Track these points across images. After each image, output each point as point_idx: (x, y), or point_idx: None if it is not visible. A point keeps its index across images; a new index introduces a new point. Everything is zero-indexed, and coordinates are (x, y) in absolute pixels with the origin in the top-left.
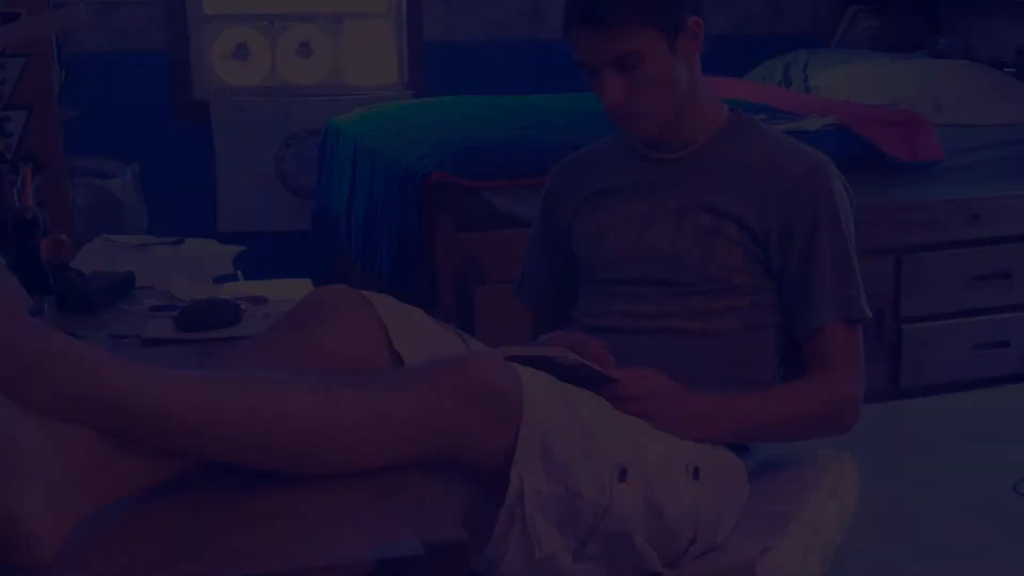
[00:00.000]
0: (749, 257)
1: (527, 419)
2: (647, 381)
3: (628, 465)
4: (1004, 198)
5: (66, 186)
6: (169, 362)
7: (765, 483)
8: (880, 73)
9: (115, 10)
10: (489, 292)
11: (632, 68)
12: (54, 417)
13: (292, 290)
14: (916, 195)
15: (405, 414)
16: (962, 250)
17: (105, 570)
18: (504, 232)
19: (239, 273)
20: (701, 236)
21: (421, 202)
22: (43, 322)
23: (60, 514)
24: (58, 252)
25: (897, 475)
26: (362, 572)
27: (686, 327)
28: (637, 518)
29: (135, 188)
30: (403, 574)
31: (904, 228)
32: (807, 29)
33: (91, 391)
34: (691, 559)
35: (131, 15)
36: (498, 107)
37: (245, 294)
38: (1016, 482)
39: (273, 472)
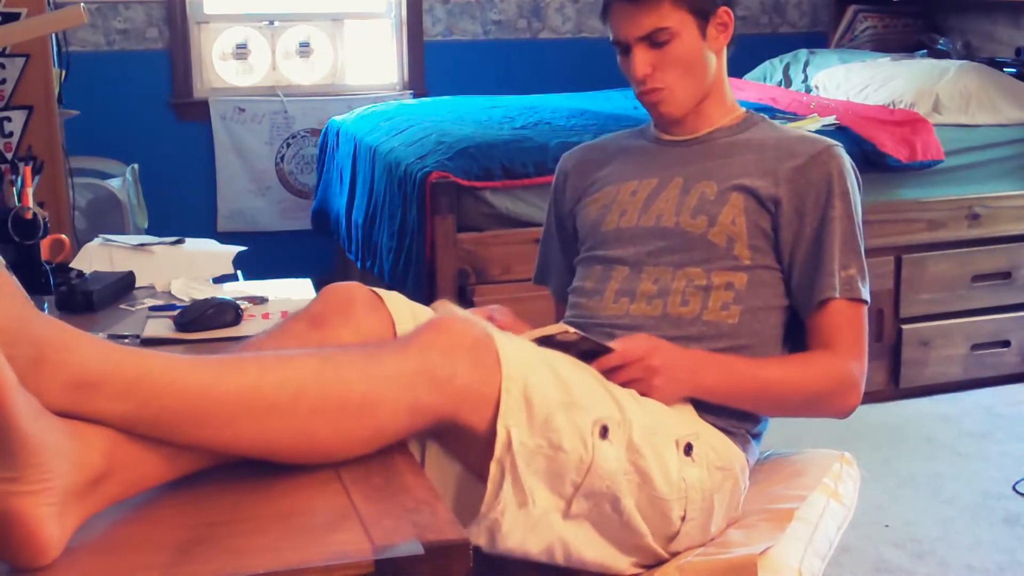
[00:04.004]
0: (753, 228)
1: (506, 372)
2: (644, 341)
3: (610, 423)
4: (1004, 198)
5: (66, 186)
6: None
7: (765, 482)
8: (880, 73)
9: (115, 10)
10: (489, 292)
11: (662, 45)
12: (68, 408)
13: (292, 290)
14: (916, 195)
15: (398, 368)
16: (962, 250)
17: (105, 570)
18: (504, 232)
19: (239, 273)
20: (704, 204)
21: (421, 202)
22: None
23: (68, 519)
24: (58, 252)
25: (897, 475)
26: (362, 572)
27: (683, 310)
28: (623, 480)
29: (135, 188)
30: (403, 574)
31: (904, 228)
32: (807, 29)
33: (101, 377)
34: (685, 537)
35: (131, 15)
36: (498, 107)
37: (245, 294)
38: (1016, 482)
39: (277, 455)
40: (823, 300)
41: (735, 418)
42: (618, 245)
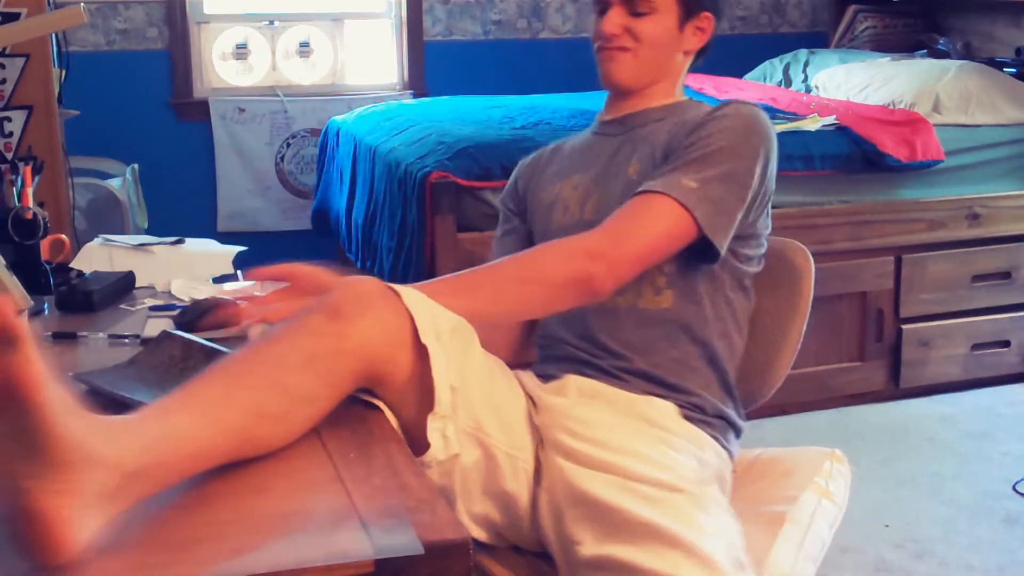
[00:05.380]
0: None
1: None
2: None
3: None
4: (1004, 198)
5: (66, 186)
6: None
7: (757, 482)
8: (880, 73)
9: (115, 10)
10: None
11: (639, 15)
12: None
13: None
14: (916, 195)
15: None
16: (962, 250)
17: (104, 570)
18: None
19: (239, 273)
20: (629, 188)
21: (421, 202)
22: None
23: (94, 520)
24: (58, 252)
25: (897, 475)
26: (362, 572)
27: (619, 300)
28: None
29: (135, 188)
30: (403, 574)
31: (904, 228)
32: (807, 29)
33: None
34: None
35: (131, 15)
36: (498, 107)
37: (245, 294)
38: (1016, 482)
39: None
40: (640, 192)
41: (705, 408)
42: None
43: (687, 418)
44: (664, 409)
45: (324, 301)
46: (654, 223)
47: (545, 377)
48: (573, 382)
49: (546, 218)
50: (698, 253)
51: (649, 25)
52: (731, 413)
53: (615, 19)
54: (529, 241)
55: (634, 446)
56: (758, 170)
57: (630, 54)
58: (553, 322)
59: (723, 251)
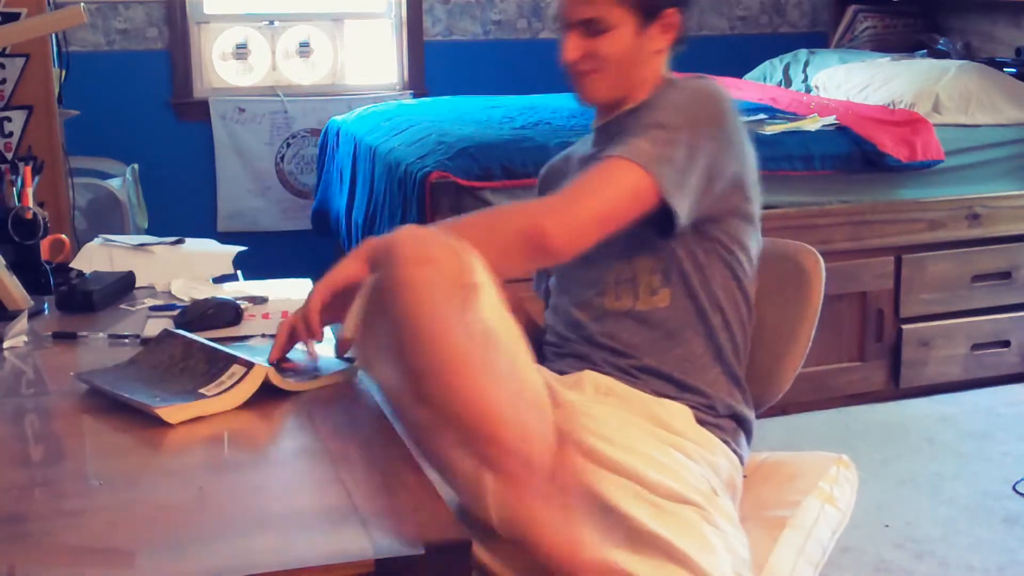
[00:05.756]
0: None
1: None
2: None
3: None
4: (1004, 198)
5: (66, 186)
6: None
7: (761, 486)
8: (880, 73)
9: (115, 10)
10: None
11: (595, 35)
12: None
13: (292, 290)
14: (916, 195)
15: None
16: (962, 250)
17: (104, 569)
18: None
19: (239, 273)
20: None
21: (421, 202)
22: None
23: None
24: (58, 252)
25: (897, 475)
26: (362, 572)
27: (618, 305)
28: None
29: (135, 188)
30: (403, 574)
31: (904, 228)
32: (807, 29)
33: None
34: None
35: (131, 15)
36: (498, 107)
37: (245, 294)
38: (1016, 482)
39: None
40: (600, 158)
41: (713, 407)
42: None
43: (700, 422)
44: (678, 413)
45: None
46: (612, 184)
47: (559, 372)
48: (589, 378)
49: None
50: (659, 224)
51: (607, 43)
52: (742, 409)
53: (573, 45)
54: None
55: (649, 450)
56: (714, 139)
57: (597, 75)
58: (558, 324)
59: (684, 217)
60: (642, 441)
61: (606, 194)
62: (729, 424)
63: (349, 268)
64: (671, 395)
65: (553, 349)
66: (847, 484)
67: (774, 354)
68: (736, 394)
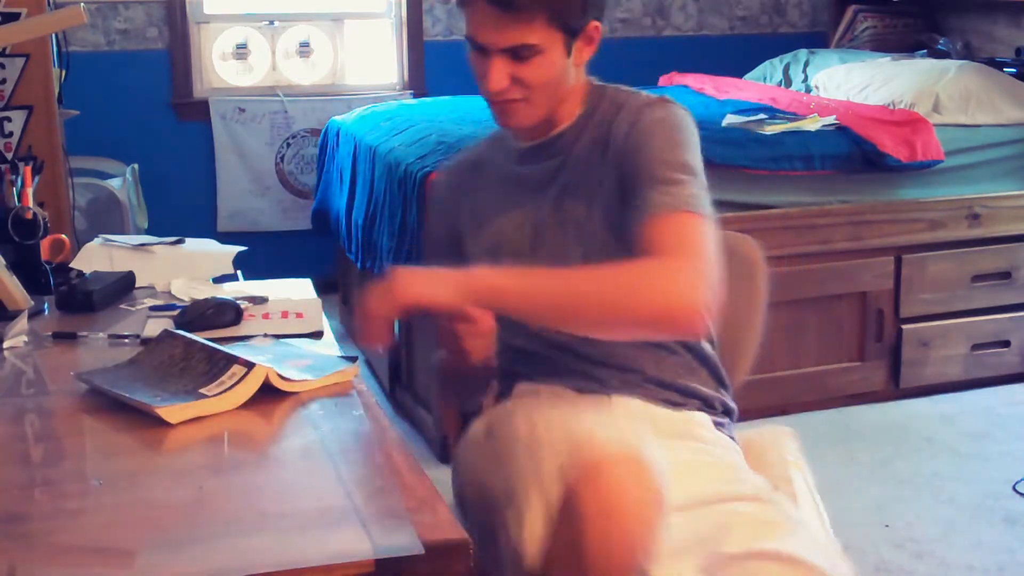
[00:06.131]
0: (624, 231)
1: None
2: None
3: None
4: (1004, 198)
5: (66, 186)
6: None
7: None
8: (880, 73)
9: (115, 10)
10: None
11: (524, 60)
12: None
13: (292, 290)
14: (916, 195)
15: None
16: (962, 250)
17: (104, 569)
18: None
19: (239, 273)
20: (580, 234)
21: (421, 202)
22: None
23: None
24: (58, 252)
25: (897, 475)
26: (362, 572)
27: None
28: None
29: (135, 188)
30: (403, 574)
31: (904, 228)
32: (807, 29)
33: None
34: None
35: (131, 15)
36: None
37: (245, 294)
38: (1016, 482)
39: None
40: (647, 217)
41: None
42: None
43: (715, 424)
44: (700, 422)
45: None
46: (701, 238)
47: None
48: (620, 405)
49: (496, 261)
50: None
51: (536, 69)
52: (730, 402)
53: (500, 73)
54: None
55: (704, 471)
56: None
57: (522, 103)
58: (531, 342)
59: None
60: (694, 467)
61: (709, 252)
62: (727, 420)
63: (443, 297)
64: (677, 402)
65: (537, 367)
66: (798, 451)
67: (732, 343)
68: (722, 389)
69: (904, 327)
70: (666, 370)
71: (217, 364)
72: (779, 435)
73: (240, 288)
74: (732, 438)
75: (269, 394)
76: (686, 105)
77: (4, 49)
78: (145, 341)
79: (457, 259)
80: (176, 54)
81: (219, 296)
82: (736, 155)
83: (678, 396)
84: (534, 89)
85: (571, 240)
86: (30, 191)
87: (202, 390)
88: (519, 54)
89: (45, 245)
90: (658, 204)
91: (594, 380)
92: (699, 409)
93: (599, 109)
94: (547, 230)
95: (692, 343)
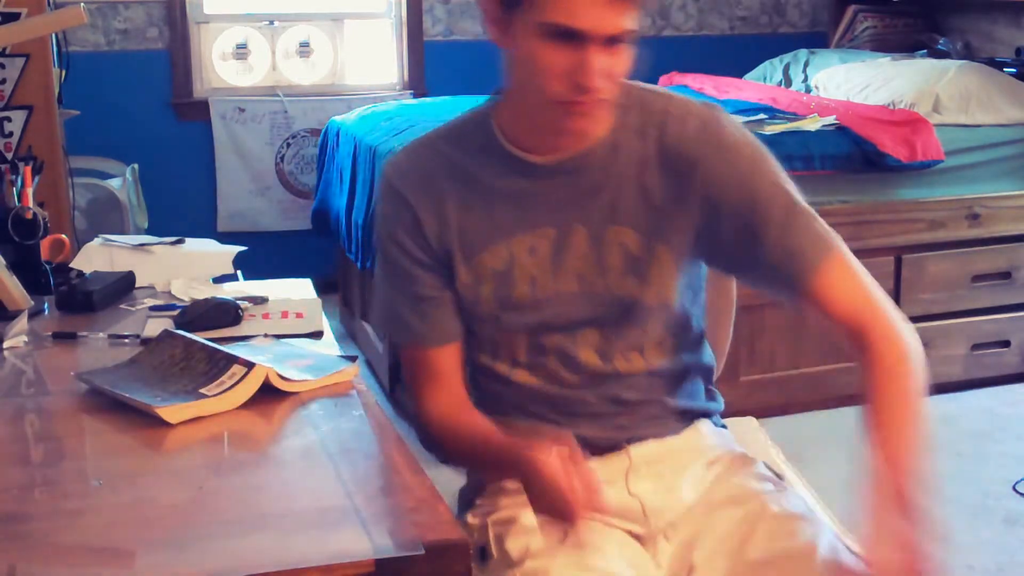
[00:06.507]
0: (686, 275)
1: None
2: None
3: None
4: (1004, 198)
5: (66, 186)
6: None
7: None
8: (880, 73)
9: (115, 10)
10: None
11: (616, 52)
12: None
13: (292, 290)
14: (916, 195)
15: None
16: (962, 250)
17: (104, 569)
18: None
19: (239, 273)
20: (630, 262)
21: None
22: None
23: None
24: (58, 252)
25: None
26: (362, 572)
27: (626, 366)
28: None
29: (135, 188)
30: (403, 574)
31: (904, 228)
32: (807, 29)
33: None
34: None
35: (131, 15)
36: None
37: (245, 294)
38: (1016, 482)
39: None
40: (817, 265)
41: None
42: (536, 312)
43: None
44: (705, 432)
45: None
46: (864, 271)
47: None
48: (637, 456)
49: (502, 287)
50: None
51: (625, 61)
52: (715, 392)
53: (601, 65)
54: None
55: (725, 490)
56: None
57: (605, 103)
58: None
59: None
60: (719, 496)
61: (877, 287)
62: (719, 418)
63: None
64: (684, 423)
65: (530, 410)
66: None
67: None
68: (712, 391)
69: None
70: (677, 395)
71: (217, 364)
72: (749, 426)
73: (240, 288)
74: (725, 427)
75: (269, 394)
76: None
77: (4, 49)
78: (145, 341)
79: (444, 272)
80: (176, 54)
81: (219, 296)
82: None
83: (686, 417)
84: (616, 86)
85: (615, 267)
86: (30, 191)
87: (202, 390)
88: (615, 42)
89: (45, 245)
90: (810, 257)
91: (599, 420)
92: (701, 416)
93: (629, 115)
94: (579, 256)
95: (695, 357)
